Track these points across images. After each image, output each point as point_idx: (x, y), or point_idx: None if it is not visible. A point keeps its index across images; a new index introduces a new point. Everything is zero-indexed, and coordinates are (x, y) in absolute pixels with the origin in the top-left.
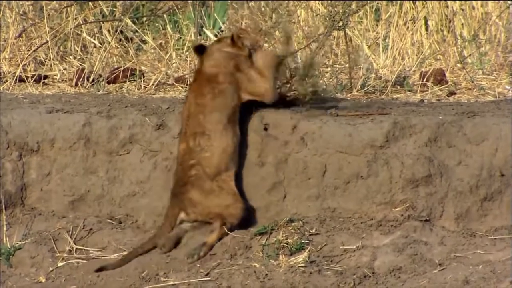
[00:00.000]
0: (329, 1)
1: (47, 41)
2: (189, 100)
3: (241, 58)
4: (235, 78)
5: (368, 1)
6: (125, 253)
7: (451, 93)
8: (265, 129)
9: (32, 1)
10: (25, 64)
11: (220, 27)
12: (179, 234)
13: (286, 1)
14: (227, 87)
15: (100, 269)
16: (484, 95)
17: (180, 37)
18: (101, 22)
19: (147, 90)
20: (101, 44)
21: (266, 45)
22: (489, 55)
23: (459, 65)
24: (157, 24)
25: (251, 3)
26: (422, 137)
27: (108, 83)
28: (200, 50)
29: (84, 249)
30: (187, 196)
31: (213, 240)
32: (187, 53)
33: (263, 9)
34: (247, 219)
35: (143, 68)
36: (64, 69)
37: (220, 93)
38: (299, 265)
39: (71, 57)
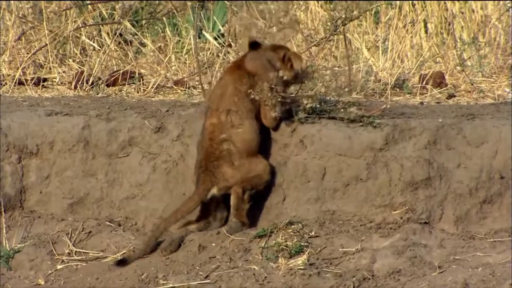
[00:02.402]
0: (330, 5)
1: (46, 44)
2: (225, 81)
3: (279, 78)
4: (264, 89)
5: (369, 5)
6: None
7: (451, 96)
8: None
9: (31, 4)
10: (25, 67)
11: (220, 30)
12: (182, 237)
13: (285, 2)
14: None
15: (121, 262)
16: (483, 97)
17: (179, 40)
18: (100, 25)
19: (147, 93)
20: (100, 47)
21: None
22: (488, 58)
23: (458, 67)
24: (156, 27)
25: (260, 6)
26: (422, 140)
27: (108, 86)
28: (254, 46)
29: (83, 252)
30: (220, 170)
31: (244, 212)
32: (186, 56)
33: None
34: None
35: (142, 71)
36: (64, 72)
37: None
38: (299, 267)
39: (70, 60)
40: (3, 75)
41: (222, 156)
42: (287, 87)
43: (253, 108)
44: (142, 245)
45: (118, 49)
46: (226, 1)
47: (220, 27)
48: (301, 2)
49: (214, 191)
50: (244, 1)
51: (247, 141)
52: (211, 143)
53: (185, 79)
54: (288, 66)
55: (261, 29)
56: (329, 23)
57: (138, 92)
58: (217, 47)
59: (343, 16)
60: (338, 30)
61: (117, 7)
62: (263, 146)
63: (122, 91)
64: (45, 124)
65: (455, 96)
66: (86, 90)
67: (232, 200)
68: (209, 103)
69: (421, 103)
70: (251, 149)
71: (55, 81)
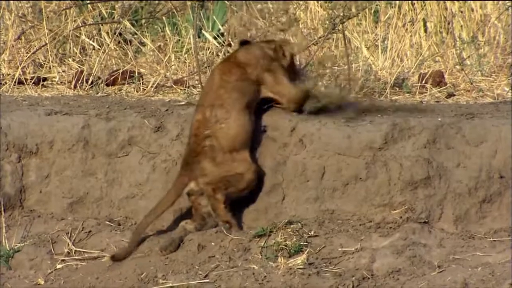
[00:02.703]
0: (329, 4)
1: (46, 44)
2: (213, 76)
3: (275, 63)
4: (260, 76)
5: (368, 4)
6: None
7: (450, 95)
8: (264, 131)
9: (31, 3)
10: (24, 66)
11: (219, 29)
12: (182, 237)
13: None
14: (251, 78)
15: (112, 258)
16: (483, 96)
17: (179, 40)
18: (100, 25)
19: (146, 93)
20: (100, 46)
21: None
22: (488, 57)
23: (458, 66)
24: (156, 27)
25: (258, 6)
26: (421, 139)
27: (107, 85)
28: (244, 44)
29: (83, 251)
30: (199, 166)
31: (223, 212)
32: (186, 55)
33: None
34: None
35: (142, 70)
36: (63, 71)
37: (245, 79)
38: (298, 267)
39: (70, 59)
40: (2, 74)
41: (204, 152)
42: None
43: (243, 99)
44: (128, 243)
45: (117, 49)
46: (225, 1)
47: (220, 27)
48: (301, 2)
49: (192, 185)
50: (243, 1)
51: (232, 137)
52: (195, 140)
53: (185, 78)
54: (281, 54)
55: (261, 28)
56: (327, 22)
57: (137, 92)
58: (217, 46)
59: (341, 14)
60: (337, 28)
61: (116, 6)
62: (258, 144)
63: (122, 91)
64: (45, 123)
65: (454, 95)
66: (86, 89)
67: (208, 201)
68: (198, 101)
69: (421, 102)
70: (236, 144)
71: (54, 81)
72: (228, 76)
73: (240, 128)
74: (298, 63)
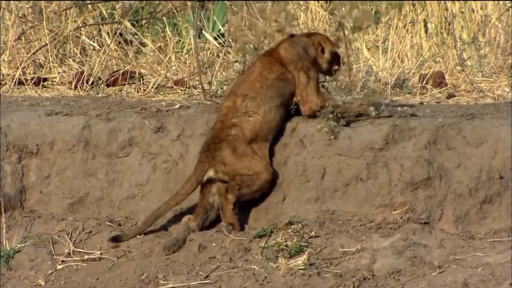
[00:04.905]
0: (329, 5)
1: (46, 44)
2: (254, 68)
3: (313, 66)
4: (296, 75)
5: (369, 5)
6: (123, 255)
7: (451, 96)
8: None
9: (31, 4)
10: (25, 66)
11: (220, 30)
12: (186, 237)
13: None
14: (290, 78)
15: (115, 239)
16: (483, 97)
17: (180, 40)
18: (100, 25)
19: (147, 93)
20: (100, 46)
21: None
22: (488, 58)
23: (458, 67)
24: (156, 27)
25: (258, 4)
26: (422, 140)
27: (108, 85)
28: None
29: (84, 252)
30: (220, 153)
31: (230, 214)
32: (186, 56)
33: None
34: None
35: (142, 70)
36: (64, 71)
37: (284, 79)
38: (299, 267)
39: (70, 59)
40: (3, 74)
41: (227, 140)
42: (324, 74)
43: (277, 99)
44: (141, 224)
45: (118, 49)
46: (226, 1)
47: (220, 27)
48: (301, 2)
49: (210, 173)
50: (244, 1)
51: (256, 130)
52: (222, 126)
53: (185, 79)
54: (319, 51)
55: (260, 28)
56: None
57: (138, 92)
58: (217, 47)
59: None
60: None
61: (117, 6)
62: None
63: (122, 91)
64: (45, 124)
65: (455, 96)
66: (86, 90)
67: (218, 198)
68: (232, 87)
69: (421, 103)
70: (258, 136)
71: (55, 81)
72: (268, 72)
73: (266, 125)
74: (339, 60)
